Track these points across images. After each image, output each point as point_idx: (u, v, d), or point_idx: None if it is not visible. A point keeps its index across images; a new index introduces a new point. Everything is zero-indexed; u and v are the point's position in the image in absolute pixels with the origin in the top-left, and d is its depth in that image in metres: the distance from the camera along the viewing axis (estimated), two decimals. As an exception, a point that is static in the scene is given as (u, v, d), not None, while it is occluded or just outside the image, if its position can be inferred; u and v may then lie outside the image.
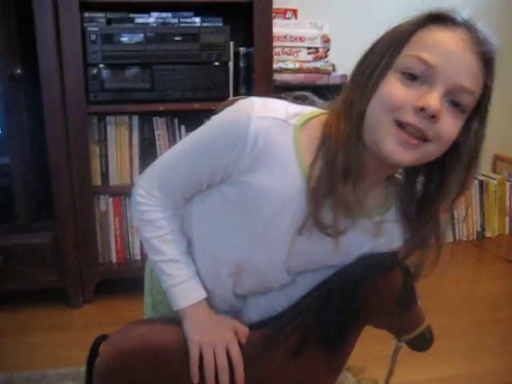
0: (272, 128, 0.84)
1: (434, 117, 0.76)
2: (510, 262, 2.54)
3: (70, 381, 1.62)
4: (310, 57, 2.41)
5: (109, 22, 2.03)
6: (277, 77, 2.36)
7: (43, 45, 1.87)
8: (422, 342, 0.93)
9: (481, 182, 2.82)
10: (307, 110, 0.89)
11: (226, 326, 0.95)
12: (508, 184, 2.88)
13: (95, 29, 1.96)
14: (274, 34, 2.22)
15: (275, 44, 2.24)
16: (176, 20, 2.07)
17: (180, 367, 0.94)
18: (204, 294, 0.97)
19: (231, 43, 2.09)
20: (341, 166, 0.81)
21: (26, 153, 1.99)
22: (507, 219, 2.89)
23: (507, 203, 2.88)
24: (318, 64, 2.41)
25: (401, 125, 0.77)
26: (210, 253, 0.97)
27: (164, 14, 2.06)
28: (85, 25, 1.97)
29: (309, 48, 2.41)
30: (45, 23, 1.86)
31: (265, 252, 0.93)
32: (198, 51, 2.02)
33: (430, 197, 0.86)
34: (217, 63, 2.05)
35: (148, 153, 2.13)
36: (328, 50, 2.43)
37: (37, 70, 1.89)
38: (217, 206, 0.94)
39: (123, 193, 2.14)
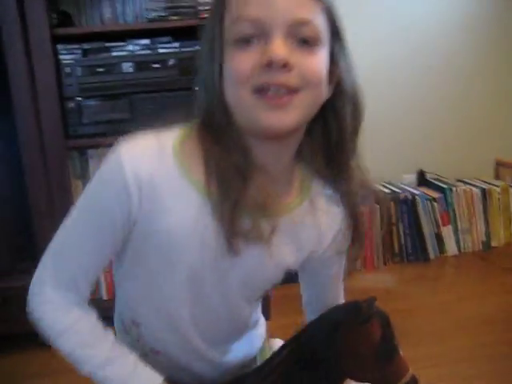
0: (149, 164, 0.77)
1: (285, 65, 0.70)
2: (520, 273, 2.44)
3: None
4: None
5: (85, 52, 1.96)
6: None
7: (16, 81, 1.80)
8: None
9: (483, 190, 2.72)
10: (176, 130, 0.84)
11: None
12: (512, 190, 2.78)
13: (70, 61, 1.90)
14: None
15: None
16: (154, 46, 1.99)
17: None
18: (158, 379, 0.85)
19: (213, 67, 2.01)
20: (231, 168, 0.75)
21: (5, 195, 1.92)
22: (513, 227, 2.79)
23: (512, 210, 2.78)
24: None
25: (261, 91, 0.71)
26: (163, 315, 0.88)
27: (142, 41, 1.99)
28: (59, 57, 1.89)
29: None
30: (16, 58, 1.79)
31: (211, 289, 0.84)
32: (178, 77, 1.95)
33: (334, 141, 0.80)
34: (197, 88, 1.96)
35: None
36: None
37: (11, 108, 1.81)
38: (144, 272, 0.85)
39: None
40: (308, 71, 0.72)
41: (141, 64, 1.94)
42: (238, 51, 0.72)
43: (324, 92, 0.76)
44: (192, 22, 1.97)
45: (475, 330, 2.00)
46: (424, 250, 2.62)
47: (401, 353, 0.87)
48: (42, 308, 0.86)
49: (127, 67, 1.92)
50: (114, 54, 1.96)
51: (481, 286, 2.42)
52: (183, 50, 1.98)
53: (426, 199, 2.62)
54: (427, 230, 2.62)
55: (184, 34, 2.01)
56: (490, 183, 2.80)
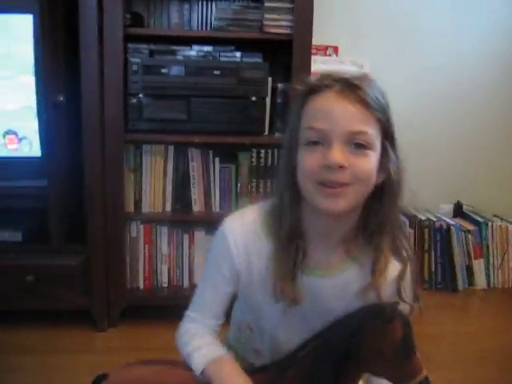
0: (244, 235, 1.05)
1: (341, 167, 0.92)
2: (547, 314, 2.45)
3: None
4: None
5: (151, 53, 2.09)
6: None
7: (86, 73, 1.93)
8: None
9: (520, 227, 2.75)
10: (261, 207, 1.09)
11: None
12: (548, 231, 2.79)
13: (137, 60, 2.02)
14: (314, 71, 2.24)
15: (313, 81, 2.26)
16: (217, 54, 2.11)
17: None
18: (223, 352, 1.04)
19: (269, 79, 2.11)
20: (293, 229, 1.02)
21: (63, 176, 2.04)
22: (546, 267, 2.80)
23: (546, 251, 2.79)
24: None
25: (322, 183, 0.94)
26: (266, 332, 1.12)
27: (205, 48, 2.11)
28: (128, 55, 2.02)
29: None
30: (89, 52, 1.92)
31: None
32: (235, 86, 2.05)
33: (374, 222, 1.00)
34: (254, 98, 2.06)
35: (181, 182, 2.16)
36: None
37: (78, 97, 1.95)
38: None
39: (155, 220, 2.17)
40: (358, 171, 0.94)
41: (202, 69, 2.04)
42: (307, 151, 0.95)
43: (372, 184, 0.97)
44: (255, 35, 2.07)
45: (496, 362, 2.03)
46: (453, 280, 2.66)
47: (417, 354, 0.93)
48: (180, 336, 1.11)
49: (189, 71, 2.04)
50: (179, 57, 2.09)
51: (506, 320, 2.44)
52: (243, 60, 2.09)
53: (461, 230, 2.66)
54: (459, 260, 2.65)
55: (246, 45, 2.13)
56: (526, 221, 2.82)
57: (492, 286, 2.73)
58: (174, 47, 2.11)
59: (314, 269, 1.03)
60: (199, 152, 2.15)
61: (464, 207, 2.88)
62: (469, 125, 2.86)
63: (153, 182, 2.14)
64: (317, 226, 1.02)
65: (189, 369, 0.99)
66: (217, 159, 2.17)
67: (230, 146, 2.13)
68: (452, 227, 2.65)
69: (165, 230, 2.18)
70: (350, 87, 0.94)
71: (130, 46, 2.05)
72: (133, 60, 2.01)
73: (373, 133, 0.94)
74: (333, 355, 0.93)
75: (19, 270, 2.01)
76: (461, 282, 2.66)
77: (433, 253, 2.65)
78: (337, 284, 1.03)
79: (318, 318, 1.04)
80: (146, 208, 2.15)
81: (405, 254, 1.02)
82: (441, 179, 2.88)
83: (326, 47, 2.55)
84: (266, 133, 2.15)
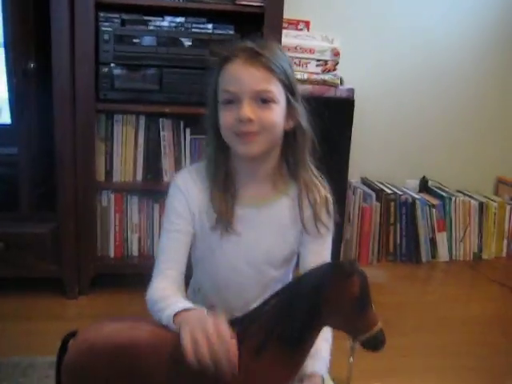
0: (188, 181, 1.25)
1: (250, 120, 1.12)
2: (505, 286, 2.55)
3: (57, 369, 1.66)
4: (319, 69, 2.45)
5: (123, 22, 2.08)
6: (284, 86, 2.41)
7: (57, 40, 1.92)
8: (375, 343, 0.98)
9: (481, 204, 2.84)
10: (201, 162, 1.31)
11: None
12: (508, 207, 2.90)
13: (109, 29, 2.02)
14: (285, 44, 2.27)
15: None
16: (189, 25, 2.12)
17: (151, 363, 0.98)
18: (189, 305, 1.07)
19: (241, 51, 2.13)
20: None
21: (33, 144, 2.04)
22: (505, 242, 2.91)
23: (506, 226, 2.90)
24: (326, 76, 2.45)
25: (238, 134, 1.14)
26: (212, 283, 1.31)
27: (177, 19, 2.11)
28: (99, 24, 2.02)
29: (318, 60, 2.45)
30: (60, 19, 1.91)
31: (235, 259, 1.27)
32: (207, 57, 2.06)
33: (291, 160, 1.24)
34: (225, 70, 2.08)
35: (152, 152, 2.18)
36: (337, 63, 2.47)
37: (49, 65, 1.94)
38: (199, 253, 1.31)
39: (125, 190, 2.19)
40: (265, 121, 1.14)
41: (174, 40, 2.06)
42: (224, 110, 1.16)
43: (278, 130, 1.17)
44: (228, 7, 2.09)
45: (455, 329, 2.12)
46: (417, 252, 2.74)
47: (373, 307, 0.99)
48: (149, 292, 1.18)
49: (161, 41, 2.04)
50: (151, 27, 2.09)
51: (467, 291, 2.55)
52: (215, 31, 2.11)
53: (426, 204, 2.74)
54: (423, 233, 2.74)
55: (218, 17, 2.14)
56: (488, 198, 2.92)
57: (454, 258, 2.83)
58: (146, 17, 2.10)
59: (248, 201, 1.23)
60: (170, 122, 2.17)
61: (429, 182, 2.96)
62: (435, 102, 2.93)
63: (124, 151, 2.16)
64: (243, 167, 1.23)
65: (159, 324, 1.03)
66: (187, 130, 2.19)
67: (200, 117, 2.14)
68: (417, 201, 2.72)
69: (135, 199, 2.21)
70: (255, 55, 1.13)
71: (101, 14, 2.04)
72: (104, 29, 2.01)
73: (275, 90, 1.14)
74: (296, 310, 0.98)
75: (-11, 237, 2.02)
76: (424, 255, 2.75)
77: (398, 226, 2.73)
78: (271, 214, 1.24)
79: (255, 250, 1.23)
80: (116, 177, 2.17)
81: (319, 184, 1.24)
82: (407, 155, 2.95)
83: (298, 21, 2.57)
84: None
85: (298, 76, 2.42)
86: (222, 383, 0.96)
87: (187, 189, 1.24)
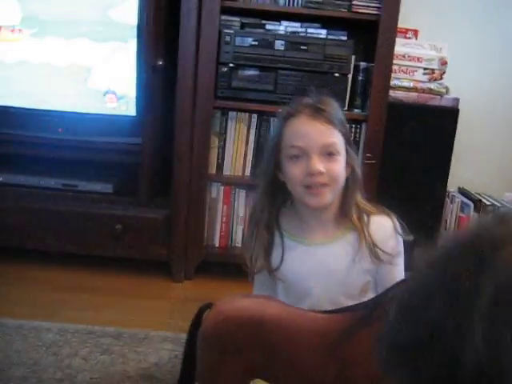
0: None
1: (320, 173, 1.20)
2: None
3: (170, 343, 1.80)
4: (426, 77, 2.49)
5: (242, 26, 2.21)
6: (390, 93, 2.46)
7: (185, 41, 2.08)
8: None
9: None
10: None
11: None
12: None
13: (230, 31, 2.15)
14: (396, 52, 2.33)
15: (393, 62, 2.35)
16: (304, 30, 2.22)
17: (279, 338, 1.07)
18: None
19: (353, 57, 2.21)
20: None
21: (156, 136, 2.21)
22: None
23: None
24: (432, 85, 2.48)
25: (308, 186, 1.22)
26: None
27: (293, 24, 2.22)
28: (221, 27, 2.16)
29: (425, 69, 2.48)
30: (189, 21, 2.07)
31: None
32: (321, 61, 2.16)
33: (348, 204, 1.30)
34: (337, 74, 2.17)
35: (262, 150, 2.29)
36: (444, 72, 2.50)
37: (175, 63, 2.10)
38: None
39: (234, 183, 2.32)
40: (333, 173, 1.22)
41: (290, 44, 2.16)
42: (292, 164, 1.23)
43: (343, 180, 1.25)
44: (343, 14, 2.17)
45: None
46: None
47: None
48: None
49: (278, 44, 2.16)
50: (268, 31, 2.21)
51: None
52: (330, 37, 2.19)
53: (525, 218, 2.70)
54: (520, 248, 2.70)
55: (331, 24, 2.22)
56: None
57: None
58: (265, 21, 2.23)
59: (314, 240, 1.29)
60: (281, 122, 2.27)
61: (530, 197, 2.91)
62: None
63: (235, 147, 2.28)
64: (309, 215, 1.29)
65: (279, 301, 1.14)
66: (297, 130, 2.29)
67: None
68: (517, 214, 2.69)
69: (243, 193, 2.33)
70: (318, 111, 1.22)
71: (222, 17, 2.18)
72: (226, 31, 2.15)
73: (338, 142, 1.23)
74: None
75: (109, 219, 2.19)
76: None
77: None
78: (335, 252, 1.28)
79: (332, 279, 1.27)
80: (227, 171, 2.30)
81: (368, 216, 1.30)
82: (508, 167, 2.92)
83: (407, 30, 2.61)
84: (346, 108, 2.25)
85: (405, 84, 2.47)
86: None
87: None
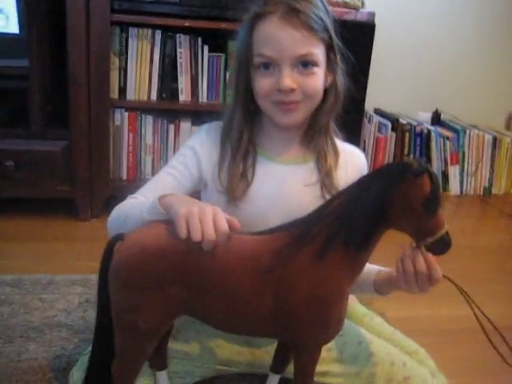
0: (215, 134, 1.14)
1: (291, 90, 1.01)
2: (515, 219, 2.55)
3: (78, 286, 1.62)
4: (340, -11, 2.34)
5: None
6: (304, 7, 2.30)
7: None
8: (441, 246, 0.93)
9: (494, 139, 2.80)
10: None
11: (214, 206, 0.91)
12: (521, 142, 2.86)
13: None
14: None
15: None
16: None
17: (206, 266, 0.92)
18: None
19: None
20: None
21: (45, 56, 1.93)
22: (516, 178, 2.89)
23: (518, 162, 2.87)
24: (347, -2, 2.34)
25: (276, 103, 1.03)
26: None
27: None
28: None
29: (340, -20, 2.34)
30: None
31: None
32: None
33: (319, 123, 1.11)
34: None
35: (168, 70, 2.08)
36: (359, -16, 2.36)
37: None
38: None
39: (139, 109, 2.10)
40: (308, 89, 1.02)
41: None
42: (260, 76, 1.03)
43: (320, 95, 1.06)
44: None
45: (470, 257, 2.11)
46: (429, 185, 2.71)
47: (441, 210, 0.94)
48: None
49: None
50: None
51: (477, 223, 2.54)
52: None
53: (440, 136, 2.69)
54: (435, 166, 2.70)
55: None
56: (500, 133, 2.88)
57: (465, 192, 2.80)
58: None
59: (276, 156, 1.12)
60: (188, 38, 2.06)
61: (442, 116, 2.90)
62: (452, 34, 2.84)
63: (139, 68, 2.05)
64: (275, 133, 1.11)
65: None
66: (205, 47, 2.09)
67: (220, 34, 2.04)
68: (432, 132, 2.67)
69: (150, 119, 2.12)
70: (293, 11, 0.98)
71: None
72: None
73: (318, 52, 1.01)
74: (361, 211, 0.92)
75: (-3, 154, 1.92)
76: (436, 187, 2.72)
77: (412, 157, 2.68)
78: (296, 175, 1.11)
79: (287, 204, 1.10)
80: (131, 95, 2.07)
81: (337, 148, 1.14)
82: (420, 86, 2.88)
83: None
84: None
85: (319, -5, 2.32)
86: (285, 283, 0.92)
87: (203, 149, 1.12)
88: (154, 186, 1.11)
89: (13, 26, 1.88)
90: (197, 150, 1.12)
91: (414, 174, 0.90)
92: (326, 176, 1.11)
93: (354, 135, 2.74)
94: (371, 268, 1.12)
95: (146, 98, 2.08)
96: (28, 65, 1.88)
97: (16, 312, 1.46)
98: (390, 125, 2.60)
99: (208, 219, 0.86)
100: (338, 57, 1.08)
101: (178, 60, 2.07)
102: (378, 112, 2.78)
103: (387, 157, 2.61)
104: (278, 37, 0.99)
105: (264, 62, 1.01)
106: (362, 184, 0.96)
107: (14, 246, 1.85)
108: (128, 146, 2.11)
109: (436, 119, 2.90)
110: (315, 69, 1.02)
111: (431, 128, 2.71)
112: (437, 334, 1.58)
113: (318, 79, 1.03)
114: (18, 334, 1.36)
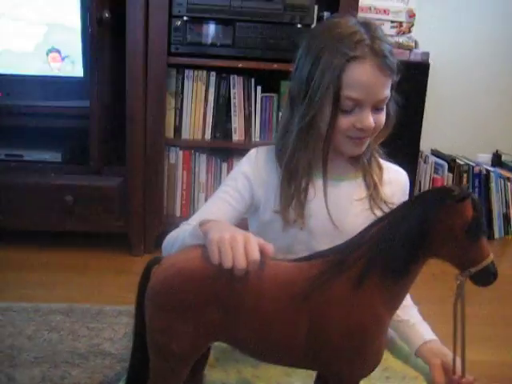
0: (266, 156, 1.17)
1: (370, 128, 1.06)
2: None
3: (125, 316, 1.65)
4: (393, 31, 2.36)
5: (196, -24, 2.04)
6: (357, 48, 2.33)
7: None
8: (486, 276, 0.90)
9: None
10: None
11: (247, 233, 0.92)
12: None
13: (183, -19, 1.98)
14: (359, 5, 2.19)
15: (359, 15, 2.21)
16: (263, -20, 2.06)
17: (238, 291, 0.92)
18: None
19: (316, 6, 2.06)
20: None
21: (105, 98, 2.03)
22: None
23: None
24: (401, 39, 2.36)
25: (352, 137, 1.08)
26: None
27: (251, -27, 2.06)
28: (173, -24, 1.98)
29: (392, 22, 2.36)
30: (136, -30, 1.89)
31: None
32: (281, 11, 2.01)
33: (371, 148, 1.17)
34: (299, 25, 2.03)
35: (222, 110, 2.14)
36: (412, 25, 2.38)
37: (124, 17, 1.92)
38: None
39: (194, 147, 2.16)
40: (378, 124, 1.08)
41: (248, -7, 2.01)
42: (343, 115, 1.06)
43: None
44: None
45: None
46: (490, 227, 2.61)
47: (485, 238, 0.91)
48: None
49: (235, -5, 2.00)
50: (224, -20, 2.04)
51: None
52: (291, -13, 2.04)
53: (500, 177, 2.61)
54: (496, 208, 2.61)
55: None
56: None
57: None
58: (221, -29, 2.06)
59: (329, 174, 1.15)
60: (241, 79, 2.12)
61: (503, 157, 2.82)
62: (508, 73, 2.79)
63: (193, 108, 2.12)
64: (331, 158, 1.14)
65: None
66: (259, 87, 2.14)
67: (272, 74, 2.09)
68: (491, 173, 2.59)
69: (203, 157, 2.17)
70: (384, 60, 1.03)
71: (176, -33, 2.01)
72: (178, -19, 1.98)
73: (389, 92, 1.07)
74: (401, 237, 0.90)
75: (58, 190, 2.01)
76: (497, 230, 2.62)
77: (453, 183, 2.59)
78: (347, 190, 1.16)
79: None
80: (185, 135, 2.13)
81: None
82: (480, 127, 2.82)
83: (374, -19, 2.48)
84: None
85: (372, 37, 2.34)
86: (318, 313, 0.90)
87: (254, 172, 1.15)
88: (205, 210, 1.14)
89: (78, 70, 1.99)
90: (247, 173, 1.15)
91: (456, 199, 0.88)
92: (374, 190, 1.15)
93: (409, 176, 2.72)
94: (421, 331, 1.16)
95: (200, 137, 2.14)
96: (89, 105, 1.98)
97: (64, 339, 1.50)
98: (446, 165, 2.55)
99: (239, 246, 0.87)
100: (393, 95, 1.13)
101: (232, 100, 2.13)
102: (434, 153, 2.73)
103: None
104: (369, 82, 1.04)
105: (350, 106, 1.05)
106: (401, 210, 0.95)
107: (68, 277, 1.91)
108: (182, 183, 2.17)
109: (497, 161, 2.81)
110: (384, 107, 1.09)
111: (490, 169, 2.63)
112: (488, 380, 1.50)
113: (384, 114, 1.10)
114: (64, 360, 1.40)
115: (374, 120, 1.07)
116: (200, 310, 0.93)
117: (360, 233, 0.96)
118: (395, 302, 0.96)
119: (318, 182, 1.15)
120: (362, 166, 1.18)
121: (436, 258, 0.96)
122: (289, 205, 1.12)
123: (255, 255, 0.87)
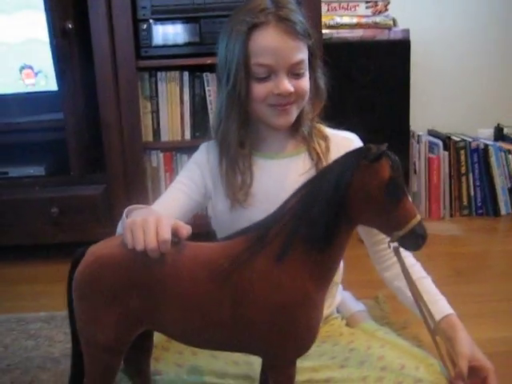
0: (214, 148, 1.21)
1: (289, 94, 1.07)
2: None
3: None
4: (369, 11, 2.31)
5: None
6: (334, 33, 2.29)
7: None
8: (414, 238, 0.85)
9: None
10: None
11: (161, 215, 0.92)
12: None
13: (145, -17, 1.99)
14: None
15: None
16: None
17: (158, 276, 0.91)
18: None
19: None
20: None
21: (79, 108, 2.05)
22: None
23: None
24: (378, 18, 2.31)
25: (273, 105, 1.09)
26: None
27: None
28: (134, -20, 1.99)
29: (367, 2, 2.31)
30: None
31: None
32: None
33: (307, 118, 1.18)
34: (265, 14, 2.00)
35: (199, 109, 2.13)
36: (388, 3, 2.32)
37: (88, 26, 1.94)
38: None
39: (174, 149, 2.16)
40: (300, 91, 1.10)
41: (209, -12, 2.00)
42: (258, 83, 1.08)
43: (308, 95, 1.12)
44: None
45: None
46: (495, 204, 2.52)
47: (409, 198, 0.86)
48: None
49: (197, -9, 2.00)
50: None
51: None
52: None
53: (501, 150, 2.51)
54: (499, 183, 2.51)
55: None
56: None
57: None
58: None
59: (270, 154, 1.18)
60: (214, 76, 2.10)
61: (505, 130, 2.72)
62: (499, 43, 2.69)
63: (170, 109, 2.12)
64: (270, 135, 1.18)
65: None
66: (232, 82, 2.12)
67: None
68: (490, 147, 2.50)
69: (185, 157, 2.16)
70: (286, 22, 1.05)
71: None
72: (140, -16, 1.99)
73: (305, 56, 1.10)
74: (319, 205, 0.86)
75: (44, 203, 2.04)
76: (503, 206, 2.52)
77: (471, 176, 2.51)
78: (291, 167, 1.16)
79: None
80: (165, 137, 2.13)
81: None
82: (478, 102, 2.73)
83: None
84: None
85: (347, 20, 2.30)
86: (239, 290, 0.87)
87: (204, 163, 1.20)
88: (161, 201, 1.17)
89: (52, 84, 2.02)
90: (199, 163, 1.20)
91: (370, 159, 0.84)
92: (318, 161, 1.16)
93: (400, 157, 2.65)
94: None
95: (179, 137, 2.14)
96: (63, 117, 2.00)
97: (40, 345, 1.52)
98: (441, 144, 2.47)
99: (150, 229, 0.87)
100: (319, 61, 1.15)
101: (208, 98, 2.12)
102: (432, 133, 2.66)
103: (442, 178, 2.47)
104: (275, 46, 1.06)
105: (263, 73, 1.07)
106: (319, 176, 0.92)
107: (55, 286, 1.92)
108: (166, 185, 2.16)
109: (499, 135, 2.72)
110: (305, 72, 1.10)
111: (489, 143, 2.54)
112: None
113: (307, 81, 1.12)
114: (36, 365, 1.41)
115: (294, 86, 1.08)
116: (121, 297, 0.91)
117: (280, 205, 0.93)
118: (324, 276, 0.92)
119: (260, 161, 1.17)
120: (304, 139, 1.18)
121: (362, 225, 0.92)
122: (234, 186, 1.15)
123: (166, 236, 0.87)
